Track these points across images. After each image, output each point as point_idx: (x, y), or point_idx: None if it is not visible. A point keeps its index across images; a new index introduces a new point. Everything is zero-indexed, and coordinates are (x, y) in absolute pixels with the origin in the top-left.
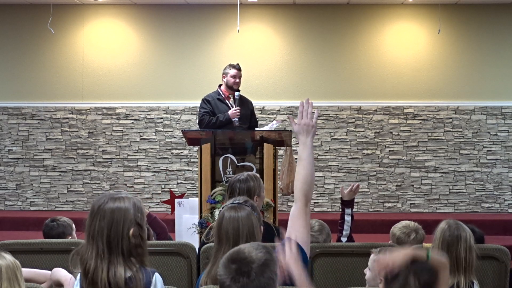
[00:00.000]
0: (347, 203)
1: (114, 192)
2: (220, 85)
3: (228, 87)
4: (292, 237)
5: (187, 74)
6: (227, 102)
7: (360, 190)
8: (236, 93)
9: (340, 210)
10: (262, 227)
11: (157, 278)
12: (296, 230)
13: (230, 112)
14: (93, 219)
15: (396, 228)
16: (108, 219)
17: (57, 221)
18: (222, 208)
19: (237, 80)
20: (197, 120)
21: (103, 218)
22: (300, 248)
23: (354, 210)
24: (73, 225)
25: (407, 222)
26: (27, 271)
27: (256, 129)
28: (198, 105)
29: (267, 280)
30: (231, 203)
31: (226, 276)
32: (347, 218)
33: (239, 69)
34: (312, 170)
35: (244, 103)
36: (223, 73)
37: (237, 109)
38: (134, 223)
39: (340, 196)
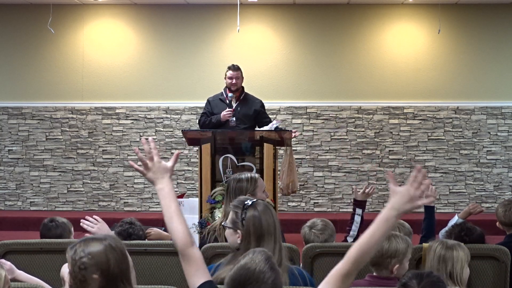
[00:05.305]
0: (358, 204)
1: (87, 236)
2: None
3: (228, 88)
4: None
5: (187, 74)
6: (227, 102)
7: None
8: (230, 94)
9: (352, 210)
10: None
11: None
12: None
13: (222, 113)
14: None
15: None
16: (78, 265)
17: (55, 221)
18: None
19: (233, 81)
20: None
21: (73, 265)
22: None
23: None
24: (72, 228)
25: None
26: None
27: (256, 129)
28: (198, 105)
29: None
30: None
31: None
32: (357, 219)
33: (233, 69)
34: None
35: (247, 102)
36: (225, 75)
37: (229, 111)
38: (100, 269)
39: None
